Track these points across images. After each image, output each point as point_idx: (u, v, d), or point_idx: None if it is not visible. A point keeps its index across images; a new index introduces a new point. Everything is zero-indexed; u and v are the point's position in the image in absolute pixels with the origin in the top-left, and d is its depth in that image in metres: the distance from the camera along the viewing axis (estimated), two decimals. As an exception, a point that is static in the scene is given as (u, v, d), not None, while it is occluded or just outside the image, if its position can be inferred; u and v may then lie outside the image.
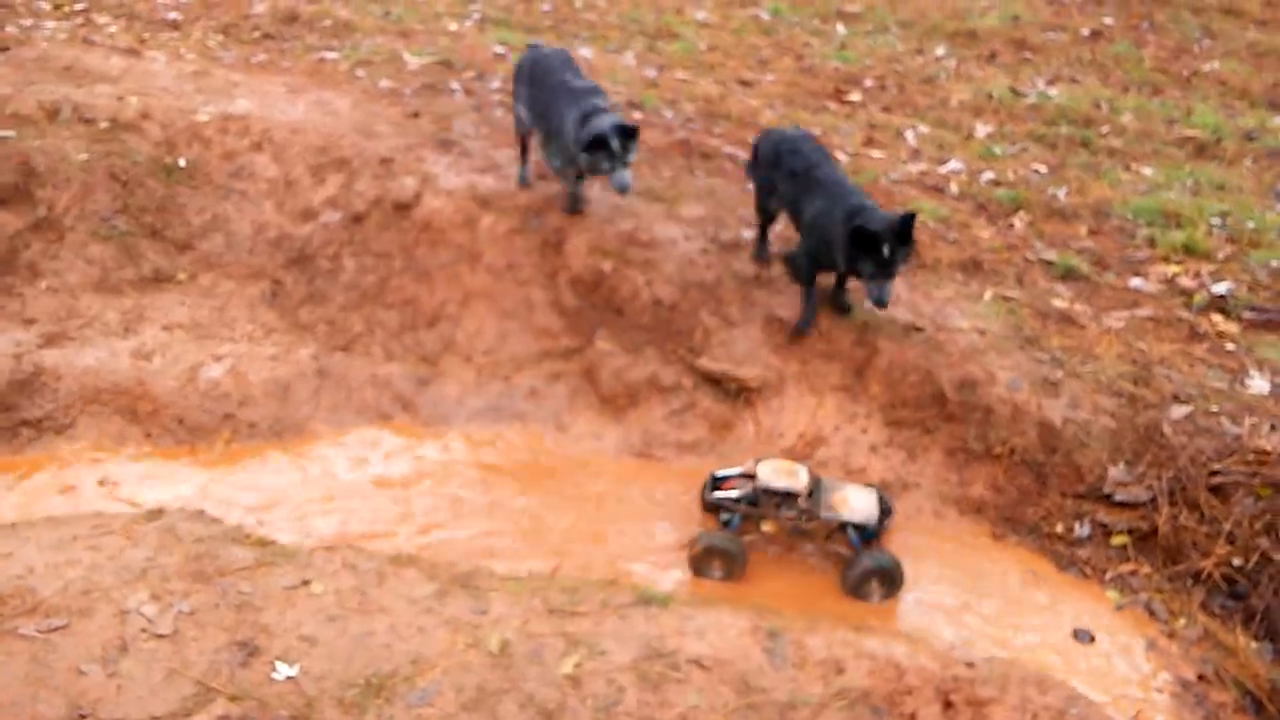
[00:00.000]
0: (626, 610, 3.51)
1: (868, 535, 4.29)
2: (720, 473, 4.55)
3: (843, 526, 4.31)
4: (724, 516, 4.39)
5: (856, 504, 4.31)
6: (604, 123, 5.00)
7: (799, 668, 3.35)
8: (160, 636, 3.18)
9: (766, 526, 4.47)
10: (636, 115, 6.95)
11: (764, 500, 4.32)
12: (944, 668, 3.43)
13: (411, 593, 3.50)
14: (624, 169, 5.03)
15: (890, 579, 4.22)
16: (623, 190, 5.08)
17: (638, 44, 8.52)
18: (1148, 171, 6.91)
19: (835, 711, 3.21)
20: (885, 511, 4.39)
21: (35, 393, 4.82)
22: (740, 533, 4.38)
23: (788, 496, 4.29)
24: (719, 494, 4.42)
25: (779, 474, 4.32)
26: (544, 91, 5.47)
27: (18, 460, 4.64)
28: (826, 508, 4.28)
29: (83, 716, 2.91)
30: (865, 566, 4.19)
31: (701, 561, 4.25)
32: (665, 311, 5.29)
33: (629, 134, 4.99)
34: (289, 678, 3.09)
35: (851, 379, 5.05)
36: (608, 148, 4.96)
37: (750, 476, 4.39)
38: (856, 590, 4.23)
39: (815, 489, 4.35)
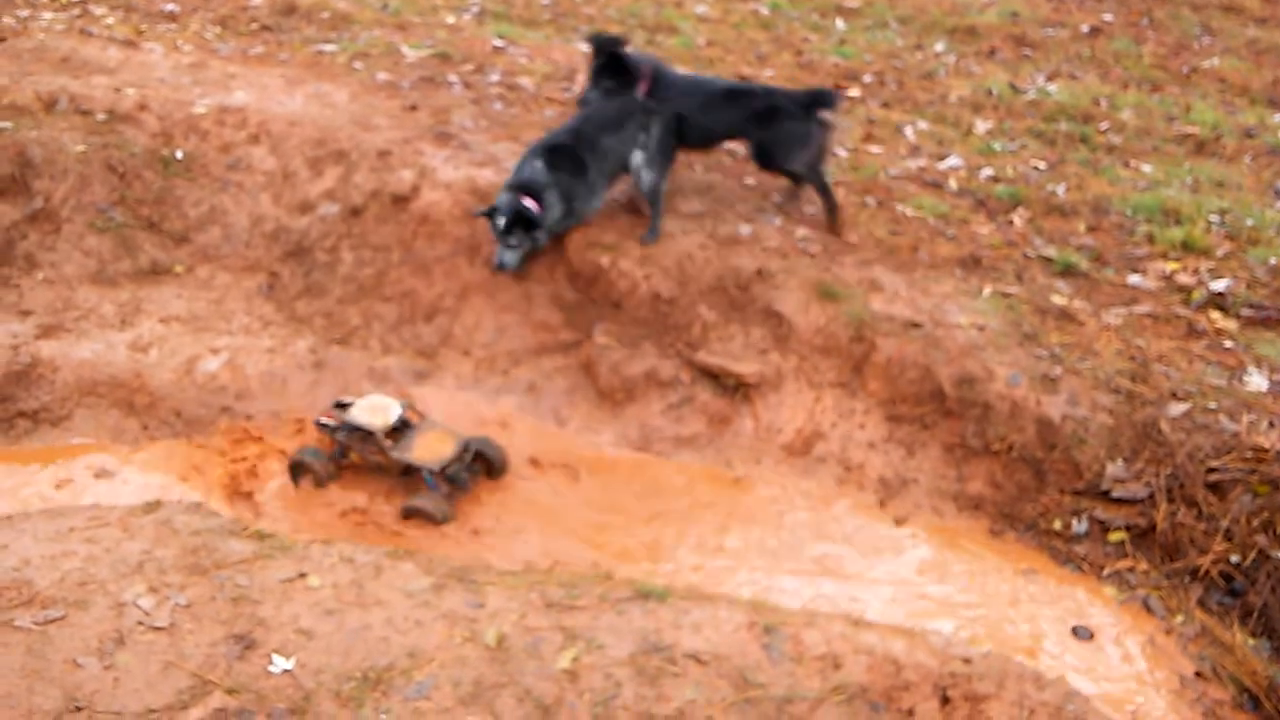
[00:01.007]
0: (624, 604, 3.50)
1: (452, 476, 4.52)
2: (342, 399, 4.72)
3: (409, 469, 4.54)
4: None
5: (432, 448, 4.53)
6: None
7: (796, 662, 3.34)
8: (157, 629, 3.16)
9: (353, 457, 4.65)
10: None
11: (349, 435, 4.56)
12: (942, 663, 3.42)
13: (408, 586, 3.49)
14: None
15: (431, 519, 4.45)
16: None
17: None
18: (1147, 168, 6.90)
19: (833, 706, 3.20)
20: (468, 460, 4.58)
21: (32, 384, 4.81)
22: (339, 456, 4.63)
23: (369, 434, 4.53)
24: (321, 419, 4.64)
25: (368, 411, 4.57)
26: None
27: (14, 452, 4.63)
28: (395, 449, 4.53)
29: (79, 709, 2.89)
30: (410, 504, 4.47)
31: (294, 469, 4.55)
32: (664, 306, 5.28)
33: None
34: (286, 671, 3.08)
35: (850, 375, 5.04)
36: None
37: (345, 407, 4.62)
38: (406, 515, 4.48)
39: (404, 430, 4.58)
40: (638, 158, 5.48)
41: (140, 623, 3.18)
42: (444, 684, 3.08)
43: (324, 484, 4.57)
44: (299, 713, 2.95)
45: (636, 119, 5.47)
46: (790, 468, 4.91)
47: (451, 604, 3.42)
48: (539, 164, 5.24)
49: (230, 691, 2.99)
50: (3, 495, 4.37)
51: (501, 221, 5.13)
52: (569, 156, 5.28)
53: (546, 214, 5.18)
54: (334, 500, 4.56)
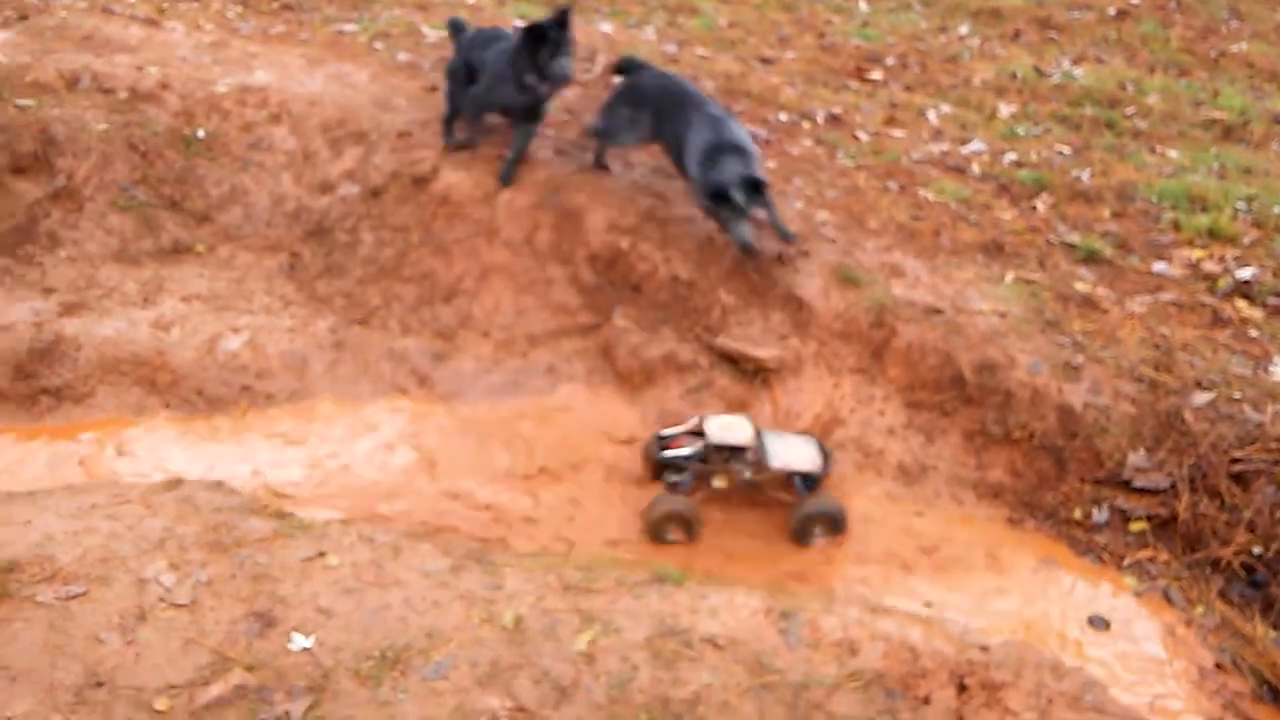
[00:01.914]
0: (641, 588, 3.51)
1: (810, 482, 4.44)
2: (665, 432, 4.59)
3: (790, 476, 4.43)
4: (671, 477, 4.42)
5: (802, 453, 4.45)
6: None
7: (813, 648, 3.34)
8: (178, 606, 3.19)
9: (718, 482, 4.50)
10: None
11: (714, 456, 4.39)
12: (959, 651, 3.42)
13: (426, 567, 3.51)
14: None
15: (834, 522, 4.39)
16: None
17: (658, 19, 8.45)
18: (1173, 154, 6.83)
19: (849, 693, 3.21)
20: (826, 459, 4.51)
21: (55, 362, 4.84)
22: (691, 492, 4.44)
23: (736, 451, 4.39)
24: (670, 453, 4.44)
25: (727, 429, 4.42)
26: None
27: (38, 428, 4.67)
28: (775, 458, 4.39)
29: (100, 684, 2.92)
30: (810, 510, 4.34)
31: (659, 526, 4.30)
32: (683, 289, 5.27)
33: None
34: (305, 649, 3.10)
35: (869, 361, 5.02)
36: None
37: (698, 433, 4.45)
38: (801, 534, 4.38)
39: (760, 441, 4.45)
40: None
41: (161, 599, 3.21)
42: (461, 664, 3.10)
43: (696, 535, 4.35)
44: (317, 690, 2.98)
45: None
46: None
47: (469, 585, 3.44)
48: (737, 127, 4.99)
49: (250, 668, 3.01)
50: (26, 471, 4.40)
51: (740, 195, 4.75)
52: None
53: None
54: (720, 544, 4.36)
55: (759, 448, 4.43)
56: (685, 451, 4.42)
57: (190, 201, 5.81)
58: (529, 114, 5.56)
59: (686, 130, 5.07)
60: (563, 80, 5.33)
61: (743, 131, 5.04)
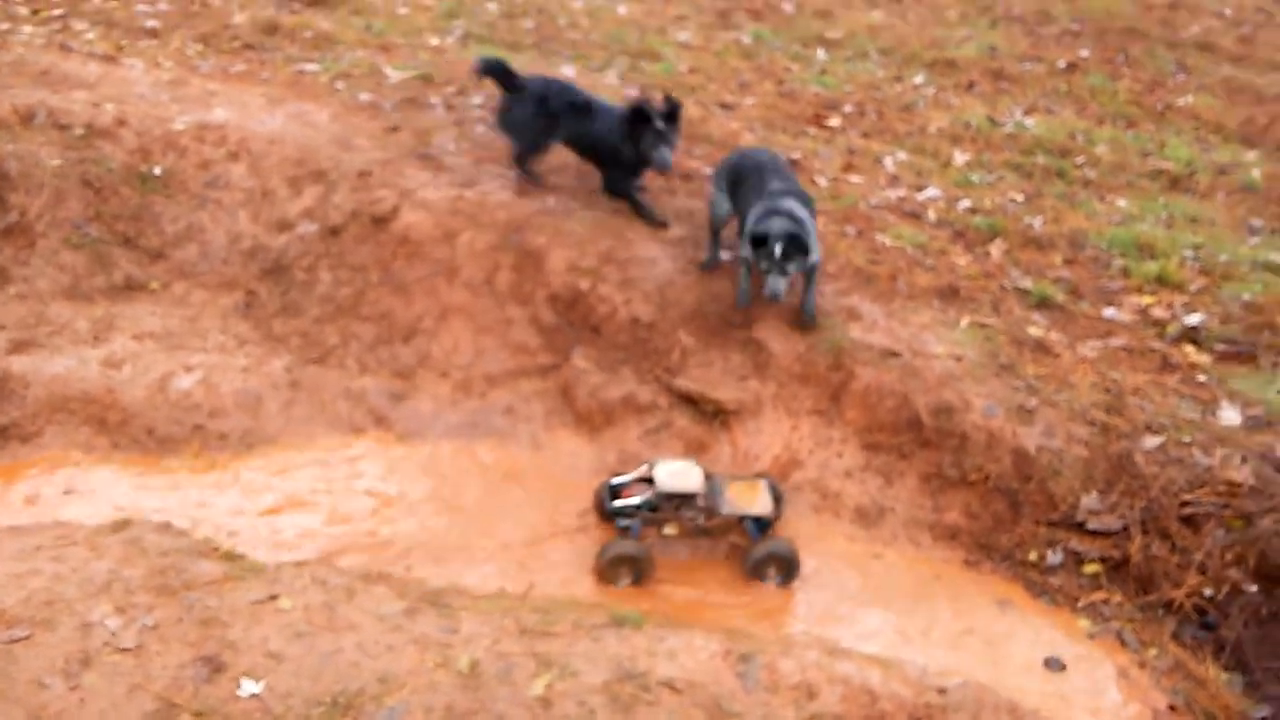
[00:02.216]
0: (599, 630, 3.48)
1: (763, 525, 4.47)
2: (615, 480, 4.57)
3: (741, 520, 4.46)
4: (623, 523, 4.42)
5: (752, 497, 4.48)
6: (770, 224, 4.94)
7: (771, 691, 3.32)
8: (124, 650, 3.12)
9: (669, 529, 4.52)
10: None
11: (664, 504, 4.40)
12: (917, 694, 3.42)
13: (380, 610, 3.46)
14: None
15: (787, 564, 4.40)
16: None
17: (620, 63, 8.52)
18: (1122, 203, 6.98)
19: (808, 736, 3.19)
20: (777, 501, 4.56)
21: (2, 400, 4.75)
22: (641, 538, 4.43)
23: (687, 498, 4.40)
24: (620, 502, 4.44)
25: (676, 476, 4.43)
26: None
27: (-19, 468, 4.56)
28: (726, 504, 4.42)
29: (42, 731, 2.85)
30: (764, 552, 4.37)
31: (610, 571, 4.29)
32: (643, 330, 5.28)
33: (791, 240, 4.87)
34: (254, 695, 3.04)
35: (828, 403, 5.04)
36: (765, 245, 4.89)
37: (648, 481, 4.45)
38: (754, 573, 4.40)
39: (710, 487, 4.47)
40: None
41: (107, 643, 3.13)
42: (416, 710, 3.05)
43: (647, 578, 4.34)
44: (267, 738, 2.91)
45: None
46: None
47: (424, 628, 3.39)
48: (792, 200, 5.08)
49: (197, 715, 2.95)
50: (-32, 512, 4.30)
51: (778, 248, 4.81)
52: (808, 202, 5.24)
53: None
54: (666, 590, 4.37)
55: (709, 493, 4.44)
56: (635, 500, 4.42)
57: (145, 239, 5.75)
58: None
59: (755, 200, 5.18)
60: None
61: (804, 211, 5.10)
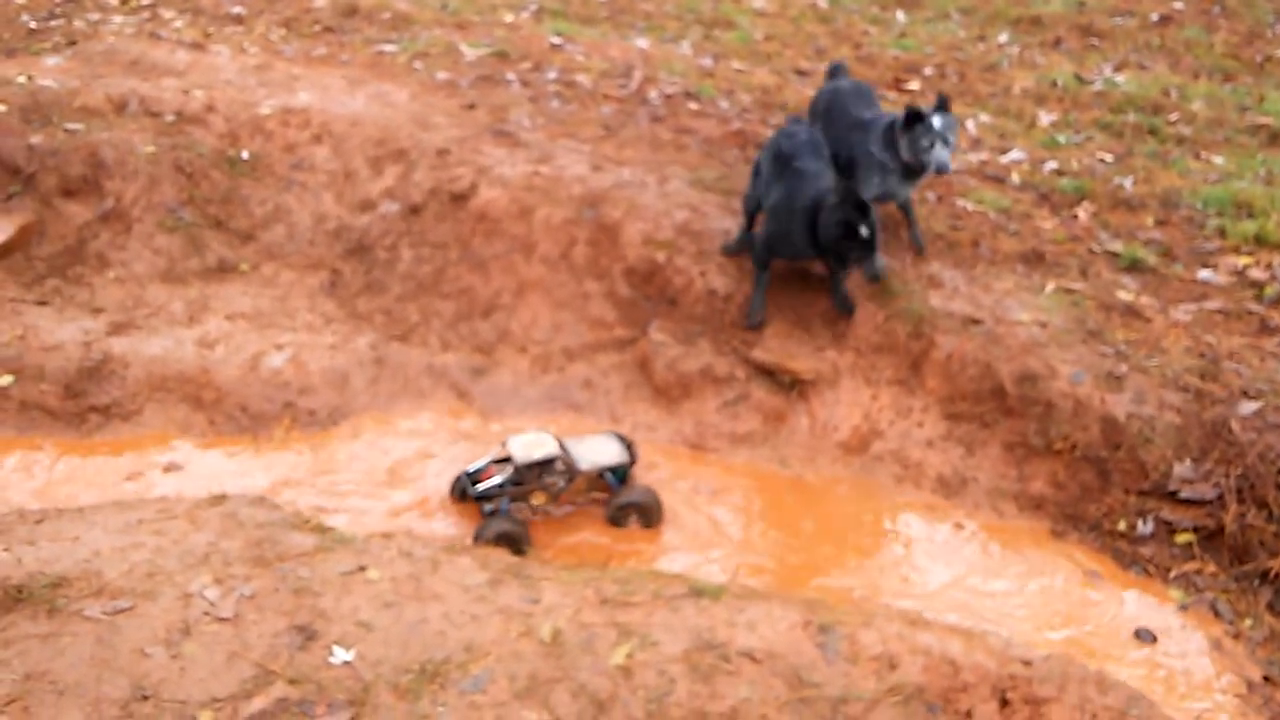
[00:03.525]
0: (678, 601, 3.50)
1: (620, 474, 4.58)
2: (472, 467, 4.57)
3: (600, 474, 4.54)
4: (488, 507, 4.44)
5: (607, 449, 4.60)
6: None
7: (852, 662, 3.31)
8: (222, 620, 3.23)
9: (536, 499, 4.55)
10: (693, 105, 6.92)
11: (527, 475, 4.45)
12: (1001, 665, 3.38)
13: (465, 580, 3.53)
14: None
15: (647, 511, 4.50)
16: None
17: (694, 33, 8.48)
18: (1218, 160, 6.73)
19: (889, 707, 3.17)
20: (630, 449, 4.63)
21: (103, 380, 4.94)
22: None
23: (546, 465, 4.46)
24: (483, 485, 4.46)
25: (531, 447, 4.48)
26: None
27: (86, 445, 4.76)
28: (583, 461, 4.50)
29: (145, 697, 2.95)
30: (623, 499, 4.48)
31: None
32: (719, 302, 5.27)
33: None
34: (345, 662, 3.12)
35: (908, 372, 4.99)
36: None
37: (506, 460, 4.51)
38: (614, 519, 4.51)
39: (565, 449, 4.52)
40: None
41: (206, 613, 3.24)
42: (500, 678, 3.10)
43: (526, 551, 4.36)
44: (358, 704, 2.99)
45: None
46: (846, 466, 4.88)
47: (507, 599, 3.45)
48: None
49: (292, 682, 3.04)
50: (75, 487, 4.49)
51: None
52: None
53: None
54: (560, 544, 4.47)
55: (565, 455, 4.50)
56: (498, 480, 4.45)
57: (235, 221, 5.91)
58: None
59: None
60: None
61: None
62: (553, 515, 4.62)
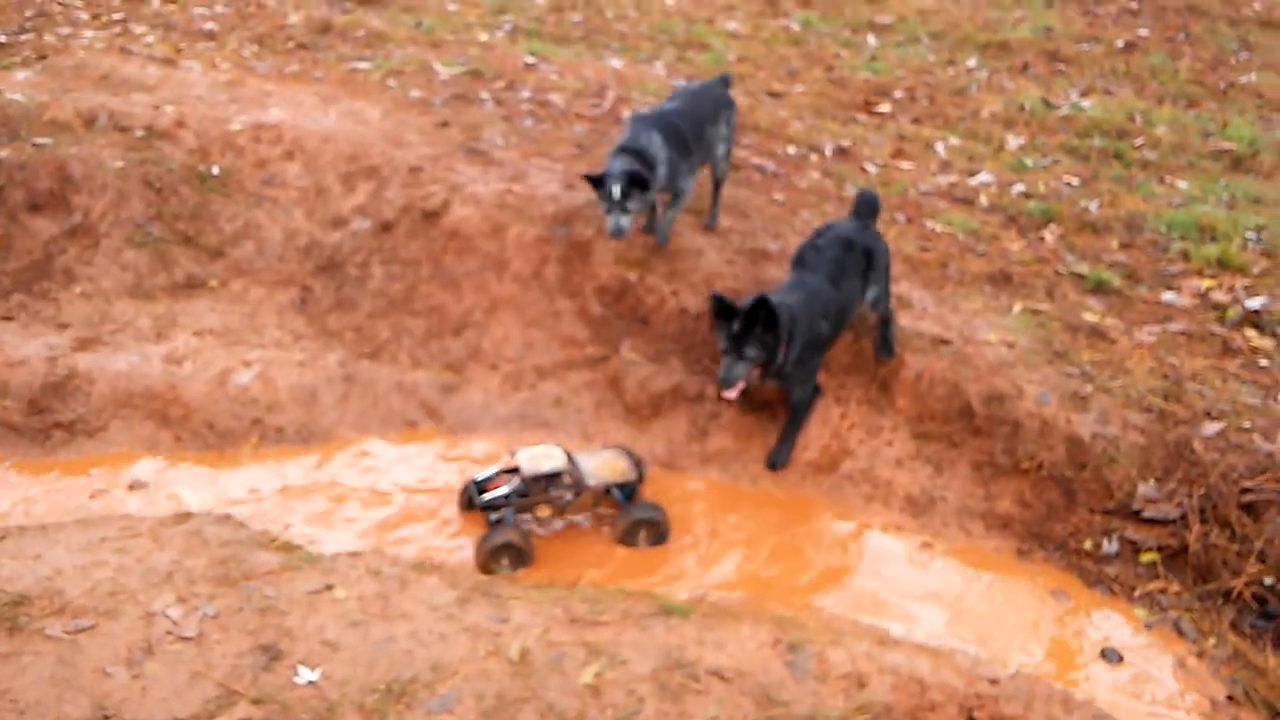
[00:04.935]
0: (647, 620, 3.50)
1: (628, 491, 4.55)
2: (480, 476, 4.56)
3: (608, 489, 4.52)
4: (493, 516, 4.44)
5: (615, 466, 4.56)
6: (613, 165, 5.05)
7: (821, 681, 3.32)
8: (185, 639, 3.20)
9: (541, 511, 4.55)
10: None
11: (533, 487, 4.44)
12: (968, 684, 3.39)
13: (433, 599, 3.51)
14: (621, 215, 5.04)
15: (657, 526, 4.47)
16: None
17: (668, 54, 8.53)
18: (1182, 184, 6.84)
19: (857, 726, 3.18)
20: (639, 466, 4.61)
21: (68, 396, 4.89)
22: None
23: (554, 477, 4.45)
24: (489, 495, 4.44)
25: (539, 460, 4.47)
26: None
27: (49, 462, 4.71)
28: (591, 476, 4.48)
29: (107, 717, 2.93)
30: (634, 518, 4.43)
31: (492, 560, 4.27)
32: (691, 321, 5.29)
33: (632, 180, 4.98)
34: (311, 682, 3.10)
35: (877, 392, 5.02)
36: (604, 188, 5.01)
37: (513, 470, 4.49)
38: (626, 539, 4.46)
39: (573, 463, 4.51)
40: (720, 149, 5.61)
41: (169, 632, 3.22)
42: (467, 698, 3.09)
43: (529, 563, 4.35)
44: (323, 724, 2.97)
45: (725, 112, 5.60)
46: (816, 485, 4.89)
47: (475, 618, 3.44)
48: (655, 135, 5.17)
49: (256, 702, 3.01)
50: (37, 506, 4.43)
51: (616, 188, 4.94)
52: (678, 135, 5.26)
53: (655, 181, 5.10)
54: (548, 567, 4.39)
55: (573, 470, 4.50)
56: (504, 490, 4.44)
57: (204, 237, 5.88)
58: None
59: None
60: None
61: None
62: (554, 529, 4.59)
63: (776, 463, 4.93)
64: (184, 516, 3.95)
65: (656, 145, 5.16)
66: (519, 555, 4.29)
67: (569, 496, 4.50)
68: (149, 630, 3.21)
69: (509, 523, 4.38)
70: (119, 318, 5.40)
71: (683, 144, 5.29)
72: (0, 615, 3.17)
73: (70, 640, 3.13)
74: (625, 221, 5.03)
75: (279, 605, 3.39)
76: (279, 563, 3.63)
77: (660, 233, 5.49)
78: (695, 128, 5.39)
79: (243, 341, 5.35)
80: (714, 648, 3.39)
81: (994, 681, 3.43)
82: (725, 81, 5.94)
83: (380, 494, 4.67)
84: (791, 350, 4.61)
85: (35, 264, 5.58)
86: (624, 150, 5.12)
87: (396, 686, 3.12)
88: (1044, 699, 3.38)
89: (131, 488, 4.58)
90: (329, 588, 3.51)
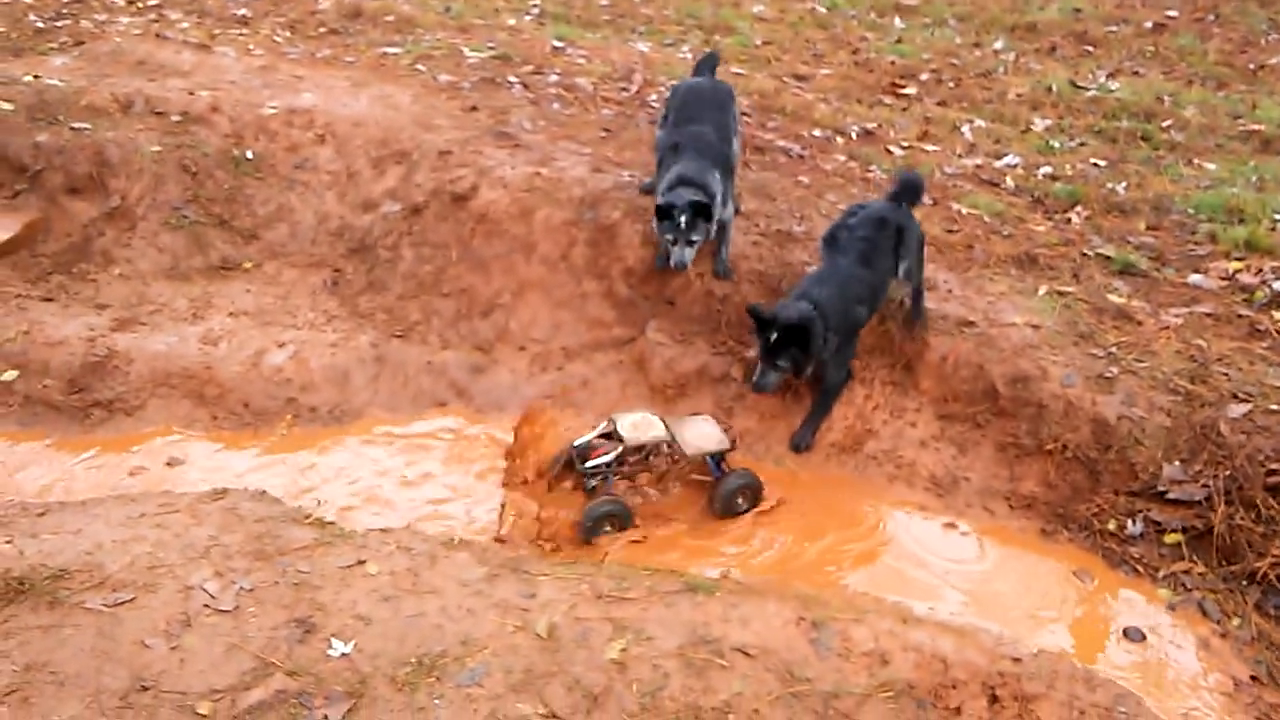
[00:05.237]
0: (673, 597, 3.54)
1: (719, 459, 4.62)
2: (579, 441, 4.59)
3: (704, 458, 4.58)
4: (592, 482, 4.49)
5: (710, 434, 4.61)
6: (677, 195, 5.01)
7: (844, 658, 3.35)
8: (222, 612, 3.27)
9: (642, 479, 4.61)
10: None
11: (634, 456, 4.52)
12: (990, 662, 3.42)
13: (462, 575, 3.57)
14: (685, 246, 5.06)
15: (755, 491, 4.56)
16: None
17: (694, 38, 8.53)
18: (1210, 166, 6.78)
19: (879, 703, 3.21)
20: (729, 434, 4.68)
21: (107, 375, 4.99)
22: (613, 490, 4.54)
23: (655, 446, 4.54)
24: (593, 462, 4.49)
25: (640, 428, 4.53)
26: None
27: (89, 440, 4.81)
28: (689, 446, 4.52)
29: (145, 688, 2.98)
30: (734, 484, 4.51)
31: (594, 528, 4.36)
32: (717, 303, 5.32)
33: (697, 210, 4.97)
34: (344, 655, 3.16)
35: (902, 373, 5.04)
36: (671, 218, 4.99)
37: (612, 436, 4.55)
38: (728, 507, 4.54)
39: (671, 433, 4.57)
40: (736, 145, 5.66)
41: (206, 606, 3.27)
42: (495, 671, 3.14)
43: (629, 527, 4.45)
44: (356, 696, 3.03)
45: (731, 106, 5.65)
46: (840, 465, 4.93)
47: (504, 594, 3.49)
48: (707, 166, 5.17)
49: (290, 674, 3.07)
50: (77, 482, 4.53)
51: (684, 218, 4.94)
52: (725, 162, 5.32)
53: (715, 211, 5.10)
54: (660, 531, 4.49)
55: (673, 439, 4.55)
56: (608, 458, 4.49)
57: (238, 220, 5.97)
58: None
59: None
60: None
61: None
62: (651, 498, 4.66)
63: (800, 445, 4.97)
64: (220, 492, 4.03)
65: (714, 179, 5.15)
66: (623, 520, 4.39)
67: (665, 465, 4.58)
68: (187, 604, 3.28)
69: (609, 486, 4.47)
70: (156, 299, 5.50)
71: (728, 168, 5.33)
72: (41, 589, 3.24)
73: (110, 613, 3.20)
74: (689, 253, 5.07)
75: (313, 580, 3.45)
76: (312, 538, 3.70)
77: (721, 264, 5.42)
78: (726, 140, 5.43)
79: (276, 322, 5.44)
80: (739, 625, 3.43)
81: (1017, 660, 3.45)
82: (713, 61, 5.98)
83: (413, 471, 4.75)
84: (827, 347, 4.70)
85: (74, 246, 5.69)
86: (684, 181, 5.08)
87: (427, 660, 3.17)
88: (1066, 677, 3.40)
89: (169, 464, 4.68)
90: (361, 563, 3.57)
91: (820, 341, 4.63)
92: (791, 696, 3.19)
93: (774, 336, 4.60)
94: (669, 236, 5.04)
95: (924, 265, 5.09)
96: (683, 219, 4.94)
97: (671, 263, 5.12)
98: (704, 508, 4.60)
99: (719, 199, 5.14)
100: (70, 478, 4.57)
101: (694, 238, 5.02)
